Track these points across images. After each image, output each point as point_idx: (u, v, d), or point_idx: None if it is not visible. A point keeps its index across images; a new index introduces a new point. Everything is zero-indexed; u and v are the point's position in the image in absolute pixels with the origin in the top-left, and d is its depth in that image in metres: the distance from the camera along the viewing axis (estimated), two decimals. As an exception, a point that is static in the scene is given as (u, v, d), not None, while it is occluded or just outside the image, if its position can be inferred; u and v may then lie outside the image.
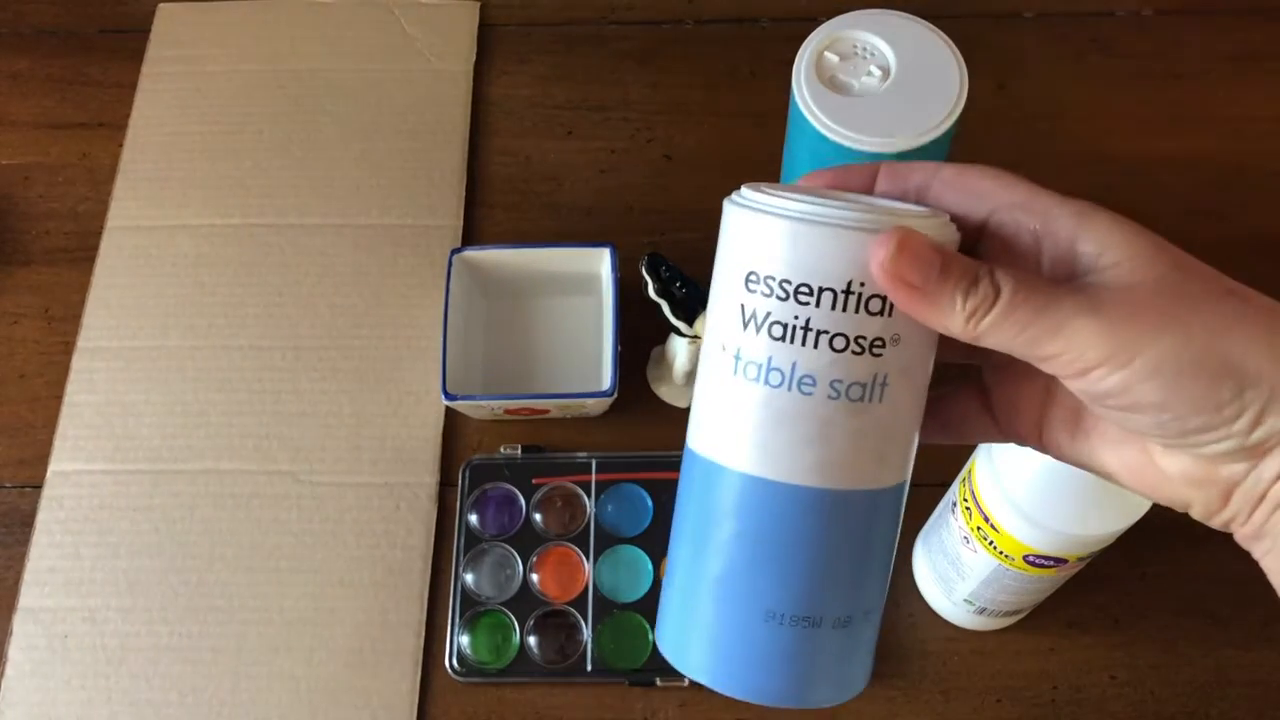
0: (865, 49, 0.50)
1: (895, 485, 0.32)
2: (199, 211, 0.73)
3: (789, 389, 0.30)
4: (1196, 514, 0.32)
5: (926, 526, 0.60)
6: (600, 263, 0.66)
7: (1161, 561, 0.62)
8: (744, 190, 0.31)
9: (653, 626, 0.61)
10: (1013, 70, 0.77)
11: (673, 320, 0.60)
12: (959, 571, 0.55)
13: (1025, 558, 0.50)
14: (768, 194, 0.30)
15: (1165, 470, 0.32)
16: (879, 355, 0.30)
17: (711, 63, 0.79)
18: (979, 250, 0.32)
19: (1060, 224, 0.31)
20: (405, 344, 0.69)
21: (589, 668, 0.60)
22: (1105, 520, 0.46)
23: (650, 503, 0.64)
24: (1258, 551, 0.32)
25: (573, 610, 0.61)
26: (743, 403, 0.31)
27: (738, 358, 0.30)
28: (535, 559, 0.63)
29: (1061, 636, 0.60)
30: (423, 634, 0.61)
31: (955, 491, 0.54)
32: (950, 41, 0.50)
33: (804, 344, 0.29)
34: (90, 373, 0.69)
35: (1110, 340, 0.28)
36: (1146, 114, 0.76)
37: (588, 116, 0.77)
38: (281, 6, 0.81)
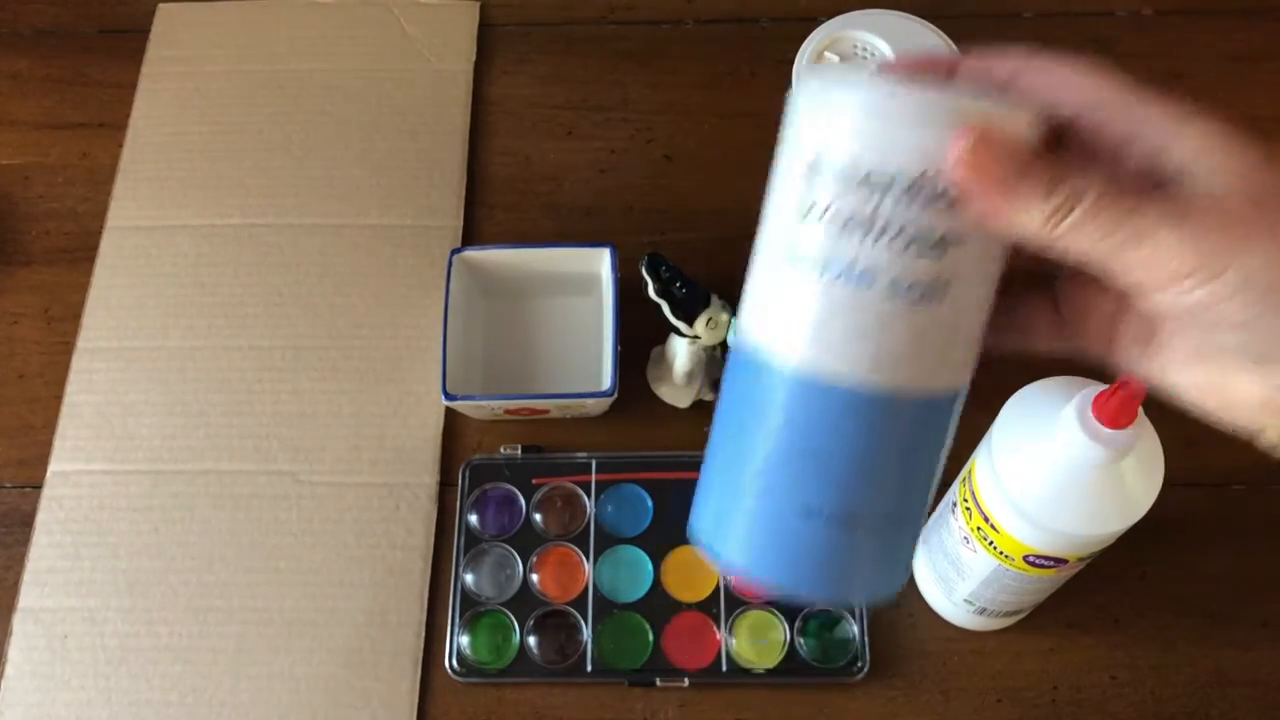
0: (865, 49, 0.51)
1: (949, 391, 0.31)
2: (199, 211, 0.73)
3: (848, 283, 0.28)
4: (1269, 440, 0.31)
5: (927, 527, 0.60)
6: (600, 263, 0.66)
7: (1161, 561, 0.62)
8: (815, 71, 0.30)
9: (653, 627, 0.61)
10: (1013, 70, 0.77)
11: (673, 320, 0.60)
12: (959, 572, 0.55)
13: (1025, 558, 0.50)
14: (841, 77, 0.28)
15: (1241, 393, 0.30)
16: (945, 255, 0.28)
17: (711, 63, 0.79)
18: (1064, 149, 0.30)
19: (1153, 128, 0.29)
20: (405, 344, 0.69)
21: (589, 668, 0.60)
22: (1105, 521, 0.46)
23: (650, 503, 0.64)
24: None
25: (573, 610, 0.61)
26: (798, 294, 0.29)
27: (795, 249, 0.29)
28: (535, 559, 0.63)
29: (1062, 637, 0.60)
30: (423, 634, 0.61)
31: (955, 492, 0.54)
32: (949, 41, 0.50)
33: (866, 237, 0.28)
34: (90, 373, 0.69)
35: (1198, 251, 0.27)
36: (1146, 114, 0.76)
37: (588, 116, 0.77)
38: (281, 7, 0.81)
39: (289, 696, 0.60)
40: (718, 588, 0.61)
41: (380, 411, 0.67)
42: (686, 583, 0.62)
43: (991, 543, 0.50)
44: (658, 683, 0.60)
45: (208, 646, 0.61)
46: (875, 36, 0.50)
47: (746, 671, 0.60)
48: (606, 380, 0.63)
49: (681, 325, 0.60)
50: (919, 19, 0.51)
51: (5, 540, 0.65)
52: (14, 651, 0.61)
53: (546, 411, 0.65)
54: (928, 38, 0.50)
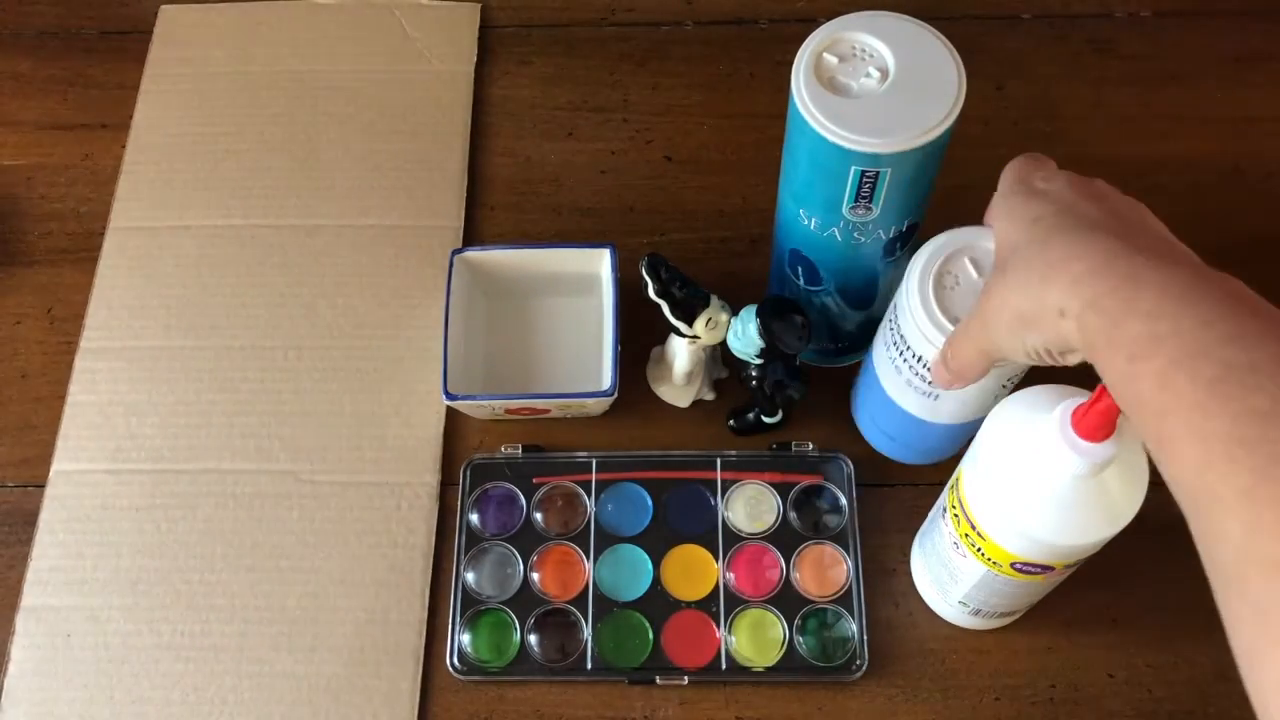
0: (864, 50, 0.51)
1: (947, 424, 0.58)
2: (201, 212, 0.74)
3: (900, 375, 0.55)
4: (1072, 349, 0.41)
5: (923, 528, 0.60)
6: (600, 263, 0.66)
7: (1159, 560, 0.62)
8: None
9: (653, 625, 0.61)
10: (1011, 72, 0.77)
11: (673, 320, 0.60)
12: (951, 575, 0.56)
13: (1012, 565, 0.50)
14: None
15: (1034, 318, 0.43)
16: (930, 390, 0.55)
17: (711, 64, 0.79)
18: None
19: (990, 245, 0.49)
20: (406, 344, 0.69)
21: (589, 666, 0.60)
22: (1089, 530, 0.46)
23: (650, 502, 0.64)
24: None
25: (573, 609, 0.62)
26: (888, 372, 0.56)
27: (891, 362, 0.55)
28: (536, 558, 0.63)
29: (1060, 635, 0.61)
30: (424, 633, 0.62)
31: (945, 498, 0.54)
32: (949, 43, 0.50)
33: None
34: (93, 373, 0.69)
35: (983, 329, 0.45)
36: (1145, 115, 0.76)
37: (588, 118, 0.77)
38: (283, 8, 0.81)
39: (291, 695, 0.60)
40: (717, 586, 0.62)
41: (381, 411, 0.67)
42: (686, 581, 0.62)
43: (980, 549, 0.51)
44: (657, 681, 0.60)
45: (210, 645, 0.61)
46: (874, 38, 0.50)
47: (746, 670, 0.60)
48: (606, 380, 0.63)
49: (681, 325, 0.60)
50: (917, 21, 0.51)
51: (8, 539, 0.65)
52: (17, 650, 0.62)
53: (547, 411, 0.65)
54: (927, 39, 0.51)
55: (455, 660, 0.61)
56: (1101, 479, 0.45)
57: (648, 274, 0.59)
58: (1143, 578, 0.62)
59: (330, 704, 0.60)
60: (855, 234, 0.54)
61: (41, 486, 0.66)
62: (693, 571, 0.62)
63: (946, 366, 0.49)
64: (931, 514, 0.58)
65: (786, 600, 0.61)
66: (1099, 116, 0.76)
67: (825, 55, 0.50)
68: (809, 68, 0.50)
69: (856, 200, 0.51)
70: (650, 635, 0.61)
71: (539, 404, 0.64)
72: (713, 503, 0.64)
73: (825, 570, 0.62)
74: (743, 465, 0.65)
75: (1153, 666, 0.60)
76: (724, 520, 0.63)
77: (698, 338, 0.61)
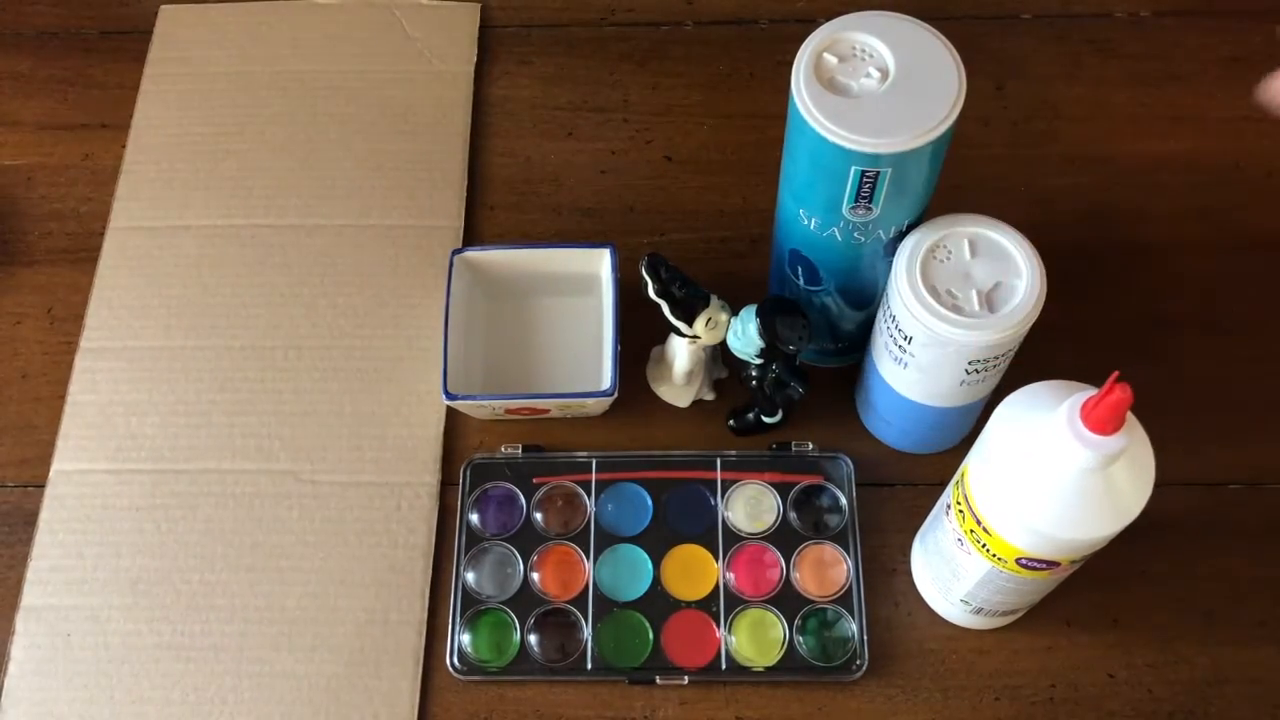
0: (864, 50, 0.51)
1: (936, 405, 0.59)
2: (201, 212, 0.74)
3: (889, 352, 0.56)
4: None
5: (924, 527, 0.60)
6: (600, 263, 0.66)
7: (1159, 560, 0.62)
8: None
9: (653, 625, 0.61)
10: (1011, 72, 0.78)
11: (673, 320, 0.60)
12: (954, 573, 0.56)
13: (1017, 560, 0.50)
14: None
15: None
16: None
17: (711, 64, 0.79)
18: None
19: None
20: (406, 344, 0.69)
21: (589, 666, 0.60)
22: (1096, 525, 0.46)
23: (650, 502, 0.64)
24: None
25: (573, 609, 0.62)
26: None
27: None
28: (536, 558, 0.63)
29: (1060, 635, 0.61)
30: (424, 632, 0.62)
31: (949, 494, 0.54)
32: (949, 43, 0.50)
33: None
34: (93, 372, 0.69)
35: None
36: (1144, 115, 0.76)
37: (588, 118, 0.77)
38: (283, 8, 0.81)
39: (291, 695, 0.60)
40: (717, 586, 0.62)
41: (381, 411, 0.67)
42: (686, 581, 0.62)
43: (985, 545, 0.51)
44: (657, 680, 0.60)
45: (210, 645, 0.61)
46: (874, 38, 0.50)
47: (746, 669, 0.60)
48: (606, 380, 0.63)
49: (681, 325, 0.60)
50: (917, 21, 0.51)
51: (8, 539, 0.65)
52: (17, 650, 0.62)
53: (547, 411, 0.65)
54: (927, 39, 0.51)
55: (455, 660, 0.61)
56: (1109, 473, 0.45)
57: (648, 274, 0.59)
58: (1143, 578, 0.62)
59: (330, 704, 0.60)
60: (855, 234, 0.54)
61: (41, 486, 0.66)
62: (693, 571, 0.62)
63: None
64: (933, 512, 0.58)
65: (786, 600, 0.61)
66: (1099, 116, 0.76)
67: (825, 55, 0.50)
68: (809, 68, 0.50)
69: (856, 200, 0.51)
70: (650, 635, 0.61)
71: (539, 404, 0.64)
72: (713, 503, 0.64)
73: (825, 570, 0.62)
74: (743, 465, 0.65)
75: (1153, 666, 0.60)
76: (724, 520, 0.63)
77: (698, 338, 0.61)
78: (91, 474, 0.66)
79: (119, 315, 0.70)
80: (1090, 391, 0.44)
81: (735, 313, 0.60)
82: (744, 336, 0.59)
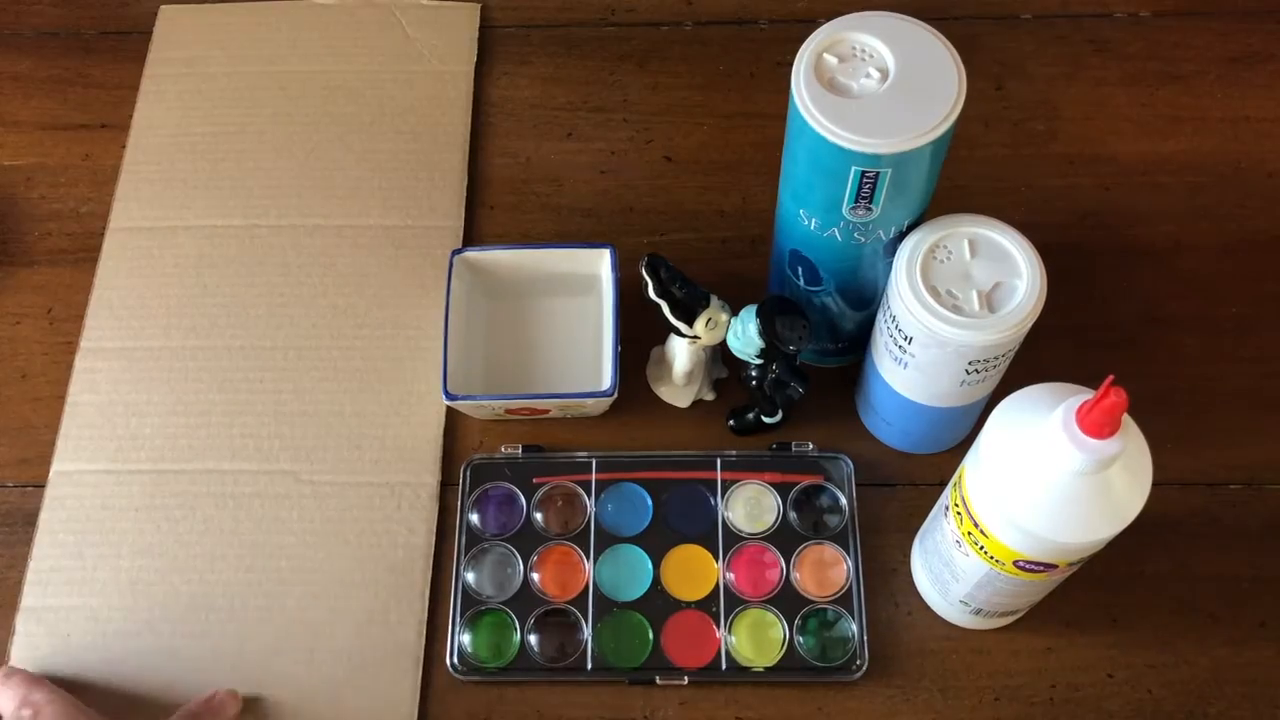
0: (864, 51, 0.51)
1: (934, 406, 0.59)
2: (201, 212, 0.74)
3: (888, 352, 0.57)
4: None
5: (923, 528, 0.60)
6: (600, 263, 0.66)
7: (1159, 561, 0.62)
8: None
9: (653, 625, 0.61)
10: (1011, 72, 0.78)
11: (673, 321, 0.60)
12: (953, 574, 0.56)
13: (1015, 563, 0.50)
14: None
15: None
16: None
17: (711, 64, 0.79)
18: None
19: None
20: (406, 344, 0.69)
21: (589, 666, 0.60)
22: (1092, 528, 0.46)
23: (650, 502, 0.64)
24: None
25: (573, 609, 0.62)
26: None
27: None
28: (536, 558, 0.63)
29: (1059, 635, 0.61)
30: (424, 633, 0.62)
31: (947, 496, 0.54)
32: (948, 43, 0.50)
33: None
34: (92, 373, 0.69)
35: None
36: (1144, 115, 0.76)
37: (588, 118, 0.77)
38: (283, 8, 0.81)
39: (291, 695, 0.60)
40: (717, 586, 0.62)
41: (381, 411, 0.67)
42: (686, 581, 0.62)
43: (982, 547, 0.51)
44: (657, 681, 0.60)
45: (209, 645, 0.61)
46: (874, 38, 0.50)
47: (746, 670, 0.60)
48: (606, 380, 0.63)
49: (681, 325, 0.60)
50: (917, 21, 0.51)
51: (8, 539, 0.65)
52: (17, 650, 0.62)
53: (547, 411, 0.65)
54: (926, 39, 0.51)
55: (455, 660, 0.61)
56: (1105, 476, 0.45)
57: (647, 274, 0.59)
58: (1143, 578, 0.62)
59: (330, 704, 0.60)
60: (855, 234, 0.54)
61: (41, 486, 0.66)
62: (693, 571, 0.62)
63: None
64: (933, 513, 0.58)
65: (786, 600, 0.61)
66: (1099, 116, 0.76)
67: (825, 55, 0.50)
68: (809, 68, 0.50)
69: (856, 200, 0.51)
70: (650, 635, 0.61)
71: (539, 404, 0.64)
72: (713, 503, 0.64)
73: (825, 570, 0.62)
74: (743, 465, 0.65)
75: (1153, 666, 0.60)
76: (724, 520, 0.63)
77: (698, 338, 0.61)
78: (91, 474, 0.66)
79: (119, 315, 0.70)
80: (1086, 395, 0.44)
81: (735, 313, 0.60)
82: (744, 336, 0.59)
